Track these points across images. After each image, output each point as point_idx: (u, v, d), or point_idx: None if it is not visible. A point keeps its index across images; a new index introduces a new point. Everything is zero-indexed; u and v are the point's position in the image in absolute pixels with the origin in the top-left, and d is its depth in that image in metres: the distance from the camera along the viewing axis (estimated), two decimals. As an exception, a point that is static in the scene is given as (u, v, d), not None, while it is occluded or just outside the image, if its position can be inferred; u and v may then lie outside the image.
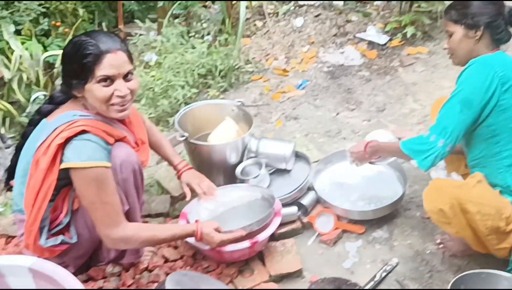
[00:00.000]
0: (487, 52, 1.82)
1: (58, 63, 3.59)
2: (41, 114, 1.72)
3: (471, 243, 1.84)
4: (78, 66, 1.55)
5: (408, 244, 2.12)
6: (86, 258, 1.85)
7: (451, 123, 1.77)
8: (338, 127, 2.93)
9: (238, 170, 2.25)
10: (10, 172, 1.81)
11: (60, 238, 1.67)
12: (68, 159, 1.55)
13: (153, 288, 1.79)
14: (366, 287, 1.89)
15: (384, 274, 1.96)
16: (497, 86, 1.73)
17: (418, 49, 3.57)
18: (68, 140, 1.54)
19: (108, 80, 1.57)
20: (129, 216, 1.77)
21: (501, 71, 1.74)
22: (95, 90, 1.57)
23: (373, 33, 3.74)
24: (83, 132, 1.56)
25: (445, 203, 1.74)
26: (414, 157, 1.85)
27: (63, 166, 1.56)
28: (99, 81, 1.56)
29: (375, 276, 1.95)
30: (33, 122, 1.73)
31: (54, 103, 1.72)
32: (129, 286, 1.81)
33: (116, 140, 1.67)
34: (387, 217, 2.20)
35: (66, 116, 1.60)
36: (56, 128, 1.57)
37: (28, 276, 1.34)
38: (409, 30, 3.52)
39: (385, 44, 3.66)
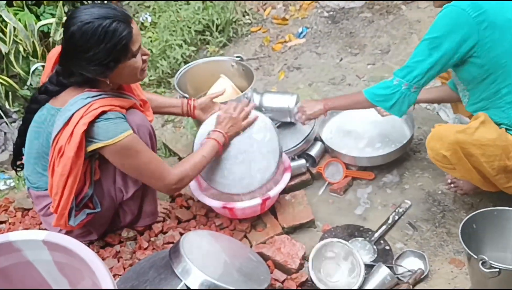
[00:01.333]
0: None
1: (52, 32, 3.52)
2: (39, 103, 1.70)
3: (480, 184, 1.82)
4: (112, 50, 1.53)
5: (419, 186, 2.11)
6: (108, 224, 1.89)
7: (418, 66, 1.73)
8: (342, 74, 2.86)
9: None
10: (16, 154, 1.84)
11: (85, 212, 1.71)
12: (96, 140, 1.57)
13: (169, 249, 1.82)
14: (379, 231, 1.90)
15: (396, 217, 1.97)
16: (472, 26, 1.65)
17: (421, -15, 3.42)
18: (89, 124, 1.55)
19: (139, 48, 1.60)
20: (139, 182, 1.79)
21: (475, 11, 1.64)
22: (132, 64, 1.60)
23: (373, -30, 3.58)
24: (103, 113, 1.56)
25: (448, 149, 1.70)
26: (380, 104, 1.83)
27: (92, 147, 1.58)
28: (134, 55, 1.58)
29: (387, 219, 1.96)
30: (32, 110, 1.72)
31: (49, 94, 1.68)
32: (145, 249, 1.84)
33: (127, 109, 1.68)
34: (396, 161, 2.19)
35: (78, 100, 1.57)
36: (73, 115, 1.55)
37: (43, 248, 1.37)
38: (411, -35, 3.36)
39: (387, -19, 3.51)
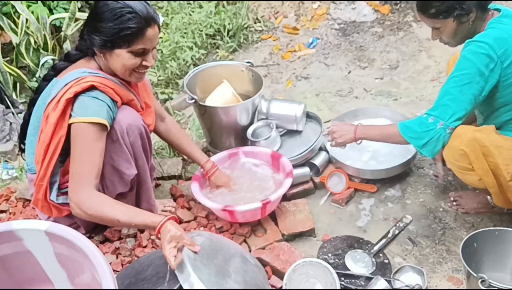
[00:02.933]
0: (482, 23, 1.74)
1: (64, 26, 3.54)
2: (56, 70, 1.72)
3: (493, 192, 1.81)
4: (116, 33, 1.54)
5: (420, 202, 2.12)
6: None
7: (450, 104, 1.70)
8: (349, 86, 2.88)
9: (249, 132, 2.24)
10: (23, 128, 1.82)
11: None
12: (75, 114, 1.57)
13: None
14: (379, 244, 1.90)
15: (397, 231, 1.97)
16: (497, 64, 1.66)
17: (433, 3, 3.45)
18: (77, 95, 1.56)
19: (142, 51, 1.60)
20: (139, 180, 1.79)
21: (499, 49, 1.65)
22: (125, 57, 1.59)
23: (386, -13, 3.61)
24: (92, 87, 1.57)
25: (466, 145, 1.71)
26: (413, 142, 1.76)
27: (71, 121, 1.57)
28: (132, 51, 1.58)
29: (388, 233, 1.96)
30: (47, 77, 1.73)
31: (69, 60, 1.72)
32: (144, 246, 1.84)
33: (123, 102, 1.68)
34: (399, 175, 2.19)
35: (76, 73, 1.61)
36: (66, 84, 1.58)
37: (45, 239, 1.37)
38: (424, -17, 3.38)
39: (399, -2, 3.55)
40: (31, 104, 1.77)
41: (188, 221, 1.99)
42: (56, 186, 1.69)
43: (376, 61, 3.08)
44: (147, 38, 1.57)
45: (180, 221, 1.99)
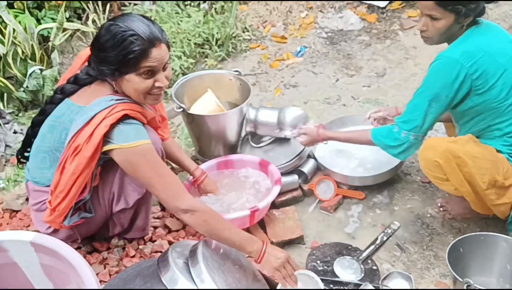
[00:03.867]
0: (463, 31, 1.76)
1: (52, 36, 3.54)
2: (65, 93, 1.68)
3: (471, 200, 1.84)
4: (121, 59, 1.52)
5: (408, 208, 2.13)
6: (94, 232, 1.88)
7: (420, 118, 1.78)
8: (337, 94, 2.90)
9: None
10: (25, 144, 1.80)
11: (80, 214, 1.71)
12: (114, 141, 1.54)
13: (157, 257, 1.81)
14: (367, 251, 1.91)
15: (385, 237, 1.98)
16: (466, 77, 1.70)
17: (418, 12, 3.49)
18: (111, 126, 1.54)
19: (151, 72, 1.56)
20: (142, 199, 1.78)
21: (467, 62, 1.69)
22: (137, 81, 1.56)
23: (372, -5, 3.66)
24: (125, 116, 1.56)
25: (441, 157, 1.75)
26: (388, 151, 1.90)
27: (109, 147, 1.54)
28: (141, 74, 1.55)
29: (376, 239, 1.97)
30: (55, 100, 1.70)
31: (79, 84, 1.68)
32: (132, 256, 1.83)
33: (147, 121, 1.69)
34: (387, 182, 2.21)
35: (103, 102, 1.57)
36: (96, 114, 1.54)
37: (30, 250, 1.36)
38: (404, -8, 3.44)
39: (385, 7, 3.59)
40: (36, 124, 1.75)
41: (177, 230, 1.99)
42: (70, 211, 1.67)
43: (363, 69, 3.11)
44: (153, 58, 1.53)
45: (169, 230, 1.99)
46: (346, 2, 3.66)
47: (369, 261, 1.89)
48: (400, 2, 3.57)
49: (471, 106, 1.77)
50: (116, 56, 1.52)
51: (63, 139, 1.62)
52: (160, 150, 1.71)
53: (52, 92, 2.07)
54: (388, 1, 3.60)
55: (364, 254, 1.90)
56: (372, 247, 1.94)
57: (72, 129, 1.58)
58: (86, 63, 1.69)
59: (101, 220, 1.82)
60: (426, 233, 2.01)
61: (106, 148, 1.55)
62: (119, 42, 1.51)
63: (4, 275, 1.43)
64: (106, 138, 1.54)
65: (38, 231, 1.77)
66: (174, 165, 2.18)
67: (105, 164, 1.66)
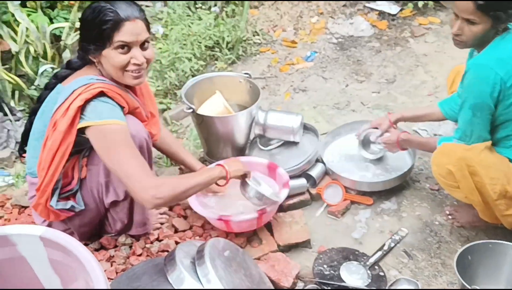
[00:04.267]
0: (495, 36, 1.74)
1: (64, 36, 3.56)
2: (58, 78, 1.72)
3: (479, 209, 1.83)
4: (96, 32, 1.56)
5: (416, 215, 2.12)
6: (91, 228, 1.87)
7: (469, 128, 1.78)
8: (347, 99, 2.90)
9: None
10: (24, 136, 1.82)
11: (70, 203, 1.71)
12: (88, 118, 1.56)
13: (163, 257, 1.81)
14: (375, 257, 1.90)
15: (392, 244, 1.97)
16: (501, 86, 1.68)
17: (429, 19, 3.49)
18: (86, 102, 1.56)
19: (126, 47, 1.58)
20: None
21: (501, 69, 1.67)
22: (112, 56, 1.58)
23: (384, 3, 3.66)
24: (101, 93, 1.57)
25: (453, 164, 1.74)
26: None
27: (83, 124, 1.56)
28: (116, 48, 1.57)
29: (383, 245, 1.96)
30: (49, 86, 1.73)
31: (71, 68, 1.73)
32: (139, 255, 1.83)
33: (130, 110, 1.69)
34: (395, 188, 2.20)
35: (83, 79, 1.61)
36: (74, 91, 1.57)
37: (39, 244, 1.36)
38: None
39: (396, 14, 3.59)
40: (33, 113, 1.77)
41: (184, 230, 1.99)
42: (57, 192, 1.69)
43: (373, 75, 3.10)
44: (126, 31, 1.56)
45: (176, 230, 1.99)
46: (357, 8, 3.66)
47: (376, 267, 1.88)
48: (411, 9, 3.57)
49: (498, 114, 1.75)
50: (93, 29, 1.57)
51: (47, 122, 1.64)
52: (145, 140, 1.69)
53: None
54: (399, 9, 3.60)
55: (371, 260, 1.89)
56: (379, 253, 1.93)
57: (54, 107, 1.61)
58: None
59: (95, 215, 1.81)
60: (434, 240, 2.00)
61: (80, 125, 1.56)
62: (96, 16, 1.56)
63: (11, 269, 1.43)
64: (81, 115, 1.56)
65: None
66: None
67: (91, 155, 1.66)
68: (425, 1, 3.47)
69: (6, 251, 1.40)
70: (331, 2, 3.70)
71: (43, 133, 1.66)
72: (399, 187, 2.22)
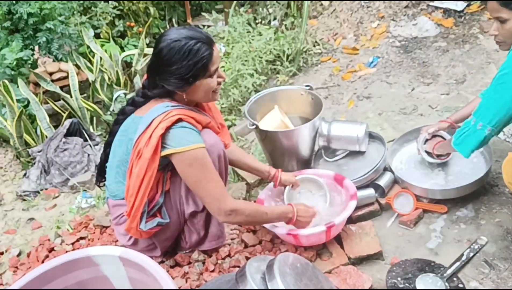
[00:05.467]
0: None
1: (134, 62, 3.78)
2: (125, 114, 1.84)
3: None
4: (194, 67, 1.65)
5: (496, 222, 2.00)
6: (172, 241, 1.95)
7: (487, 106, 1.72)
8: (414, 104, 2.81)
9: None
10: (101, 168, 1.96)
11: (156, 220, 1.80)
12: (170, 146, 1.64)
13: (235, 272, 1.85)
14: (452, 268, 1.81)
15: (471, 253, 1.87)
16: None
17: (498, 14, 3.31)
18: (167, 129, 1.65)
19: (216, 70, 1.71)
20: None
21: None
22: (207, 83, 1.71)
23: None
24: (179, 120, 1.66)
25: None
26: (457, 148, 1.86)
27: (166, 153, 1.65)
28: (211, 75, 1.70)
29: (462, 255, 1.86)
30: (119, 121, 1.86)
31: (135, 106, 1.83)
32: (211, 271, 1.89)
33: (203, 127, 1.78)
34: (471, 195, 2.09)
35: (159, 108, 1.69)
36: (153, 120, 1.66)
37: (119, 264, 1.45)
38: (489, -7, 3.26)
39: (463, 10, 3.43)
40: (107, 145, 1.89)
41: (254, 245, 2.02)
42: (145, 214, 1.78)
43: (441, 76, 2.99)
44: (216, 57, 1.69)
45: (246, 245, 2.03)
46: (420, 8, 3.55)
47: (455, 279, 1.79)
48: (479, 4, 3.40)
49: None
50: (187, 65, 1.64)
51: (129, 150, 1.74)
52: (222, 151, 1.79)
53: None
54: (466, 4, 3.44)
55: (449, 271, 1.80)
56: (457, 263, 1.83)
57: (135, 136, 1.71)
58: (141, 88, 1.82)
59: (176, 227, 1.88)
60: (517, 249, 1.87)
61: (163, 153, 1.65)
62: (187, 53, 1.63)
63: (95, 287, 1.53)
64: (163, 143, 1.65)
65: (121, 244, 1.89)
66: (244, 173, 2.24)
67: (174, 168, 1.74)
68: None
69: (91, 271, 1.51)
70: (392, 4, 3.62)
71: (124, 161, 1.78)
72: (475, 193, 2.11)
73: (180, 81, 1.67)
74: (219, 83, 1.75)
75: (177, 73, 1.66)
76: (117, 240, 2.14)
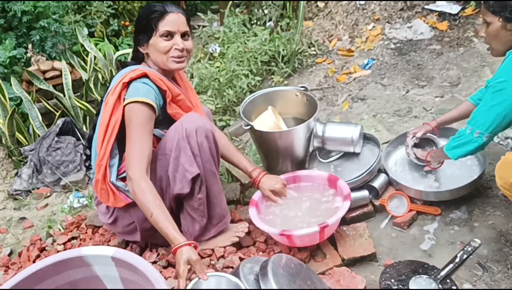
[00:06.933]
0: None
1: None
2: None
3: None
4: (145, 22, 1.81)
5: (490, 224, 2.00)
6: (155, 230, 1.79)
7: (485, 114, 1.75)
8: (408, 106, 2.81)
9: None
10: (89, 141, 1.96)
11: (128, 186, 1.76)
12: (128, 96, 1.75)
13: (229, 273, 1.84)
14: (446, 270, 1.81)
15: (465, 256, 1.87)
16: None
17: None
18: (131, 81, 1.76)
19: (169, 35, 1.81)
20: (208, 183, 1.83)
21: None
22: (157, 42, 1.81)
23: (444, 3, 3.54)
24: (144, 75, 1.77)
25: None
26: (449, 153, 1.89)
27: (124, 103, 1.74)
28: (161, 35, 1.80)
29: (455, 257, 1.87)
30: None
31: (127, 65, 1.91)
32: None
33: (172, 97, 1.83)
34: (465, 197, 2.09)
35: (131, 67, 1.84)
36: (122, 75, 1.80)
37: (111, 264, 1.44)
38: (483, -4, 3.28)
39: (458, 13, 3.45)
40: (97, 113, 1.91)
41: (247, 246, 2.01)
42: (115, 168, 1.81)
43: (435, 79, 2.99)
44: (169, 20, 1.79)
45: (240, 246, 2.01)
46: (415, 11, 3.56)
47: (448, 281, 1.79)
48: (474, 7, 3.41)
49: None
50: (143, 21, 1.81)
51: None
52: (210, 132, 1.79)
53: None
54: (460, 8, 3.45)
55: (443, 273, 1.80)
56: (451, 265, 1.83)
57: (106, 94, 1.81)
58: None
59: None
60: (510, 251, 1.87)
61: (124, 102, 1.74)
62: (146, 10, 1.82)
63: (87, 287, 1.52)
64: (126, 94, 1.74)
65: (126, 243, 1.94)
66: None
67: (162, 144, 1.78)
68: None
69: (83, 271, 1.49)
70: (387, 7, 3.63)
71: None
72: (469, 195, 2.11)
73: (137, 35, 1.83)
74: (176, 50, 1.80)
75: (137, 28, 1.84)
76: (109, 240, 2.12)
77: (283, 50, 3.29)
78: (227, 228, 1.98)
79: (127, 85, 1.76)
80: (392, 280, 1.81)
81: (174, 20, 1.81)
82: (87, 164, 1.99)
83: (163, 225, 1.62)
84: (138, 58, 1.90)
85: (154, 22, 1.80)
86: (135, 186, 1.66)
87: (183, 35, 1.84)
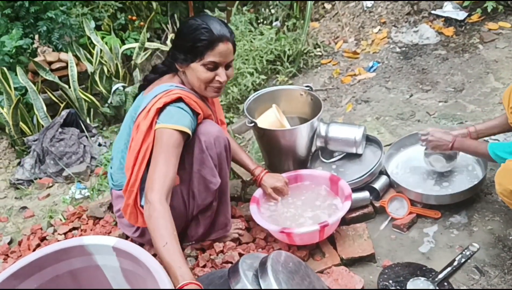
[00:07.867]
0: None
1: (135, 56, 3.77)
2: (147, 80, 1.87)
3: None
4: (190, 46, 1.68)
5: (488, 229, 2.01)
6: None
7: None
8: (411, 109, 2.82)
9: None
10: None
11: None
12: (160, 121, 1.66)
13: (227, 268, 1.85)
14: (444, 273, 1.82)
15: (463, 259, 1.88)
16: None
17: (500, 24, 3.34)
18: (165, 105, 1.66)
19: (214, 66, 1.70)
20: (220, 191, 1.85)
21: None
22: (199, 71, 1.71)
23: (450, 9, 3.54)
24: (179, 99, 1.68)
25: None
26: (495, 156, 1.81)
27: (156, 127, 1.66)
28: (205, 64, 1.70)
29: (453, 261, 1.88)
30: (141, 88, 1.90)
31: (156, 73, 1.87)
32: (203, 266, 1.89)
33: (204, 117, 1.79)
34: (465, 201, 2.10)
35: (165, 86, 1.74)
36: (155, 96, 1.70)
37: (112, 254, 1.45)
38: (490, 4, 3.29)
39: (464, 20, 3.45)
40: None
41: (247, 243, 2.02)
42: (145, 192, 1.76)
43: (439, 84, 3.00)
44: (217, 52, 1.68)
45: (240, 242, 2.02)
46: (421, 16, 3.57)
47: (446, 284, 1.80)
48: (480, 14, 3.42)
49: None
50: (187, 42, 1.68)
51: (131, 129, 1.75)
52: (227, 141, 1.79)
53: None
54: (467, 14, 3.46)
55: (440, 276, 1.81)
56: (449, 269, 1.84)
57: (138, 113, 1.72)
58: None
59: (182, 219, 1.85)
60: (508, 256, 1.88)
61: (156, 127, 1.65)
62: (192, 31, 1.67)
63: (88, 277, 1.53)
64: (158, 118, 1.66)
65: (126, 236, 1.92)
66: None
67: (183, 162, 1.71)
68: (495, 5, 3.31)
69: (84, 260, 1.50)
70: (394, 11, 3.64)
71: (128, 142, 1.77)
72: (469, 200, 2.12)
73: (179, 55, 1.71)
74: (216, 81, 1.72)
75: (179, 46, 1.71)
76: (110, 232, 2.14)
77: (288, 50, 3.30)
78: (226, 235, 1.99)
79: (160, 109, 1.66)
80: (390, 281, 1.82)
81: (223, 51, 1.68)
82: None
83: (176, 257, 1.43)
84: (172, 69, 1.81)
85: (201, 49, 1.67)
86: (151, 211, 1.51)
87: (227, 66, 1.74)
